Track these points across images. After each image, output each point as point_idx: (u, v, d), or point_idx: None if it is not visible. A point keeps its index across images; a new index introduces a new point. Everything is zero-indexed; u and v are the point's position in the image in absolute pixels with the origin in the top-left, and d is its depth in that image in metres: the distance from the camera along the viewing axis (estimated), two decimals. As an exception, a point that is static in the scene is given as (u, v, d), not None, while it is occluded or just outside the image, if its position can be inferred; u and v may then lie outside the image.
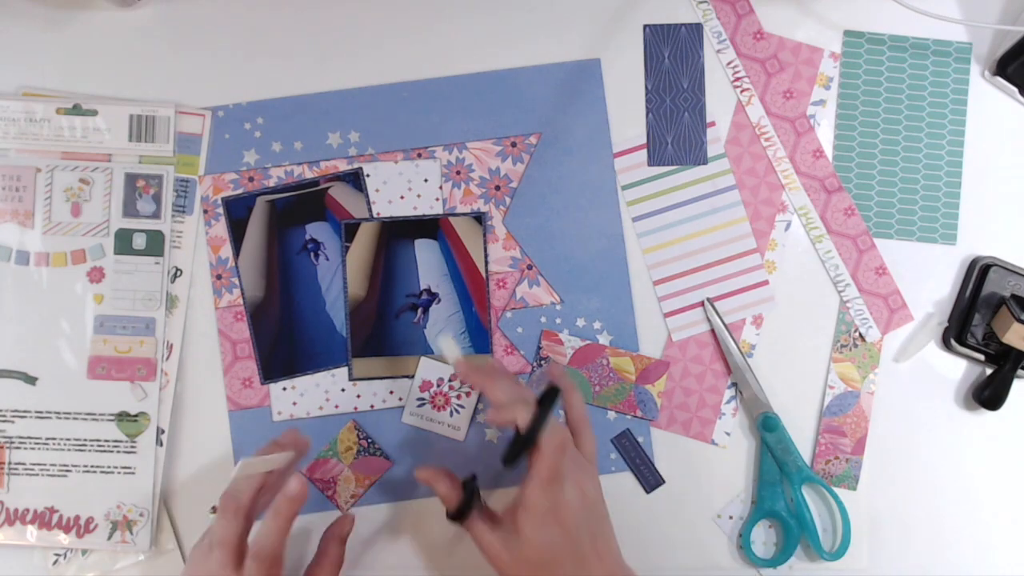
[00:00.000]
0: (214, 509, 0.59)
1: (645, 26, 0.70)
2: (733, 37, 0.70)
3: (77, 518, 0.66)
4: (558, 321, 0.68)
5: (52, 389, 0.66)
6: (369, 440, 0.67)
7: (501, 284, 0.69)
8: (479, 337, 0.68)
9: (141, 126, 0.68)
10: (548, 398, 0.58)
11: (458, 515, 0.59)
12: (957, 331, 0.68)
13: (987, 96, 0.70)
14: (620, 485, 0.68)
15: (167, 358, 0.67)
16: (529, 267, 0.69)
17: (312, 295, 0.68)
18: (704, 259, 0.69)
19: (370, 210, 0.69)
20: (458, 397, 0.67)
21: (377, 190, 0.69)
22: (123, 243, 0.67)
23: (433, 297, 0.68)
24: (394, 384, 0.68)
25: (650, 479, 0.68)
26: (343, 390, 0.68)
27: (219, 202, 0.68)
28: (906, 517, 0.68)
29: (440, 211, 0.69)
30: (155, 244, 0.68)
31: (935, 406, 0.69)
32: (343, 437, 0.67)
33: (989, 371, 0.68)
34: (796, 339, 0.69)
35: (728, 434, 0.68)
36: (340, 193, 0.69)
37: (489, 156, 0.69)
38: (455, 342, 0.62)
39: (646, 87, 0.70)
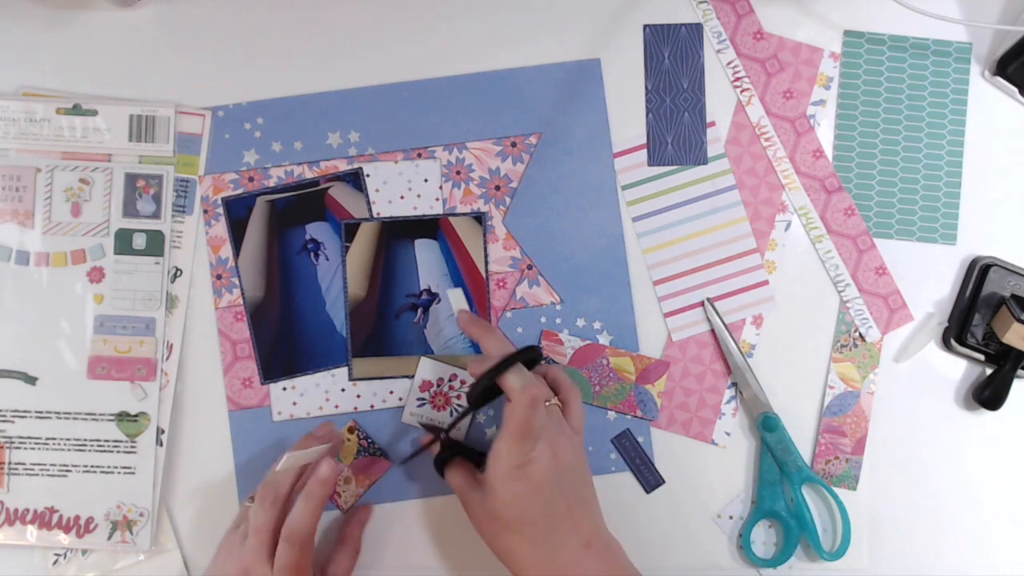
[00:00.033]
0: (252, 499, 0.60)
1: (645, 26, 0.70)
2: (733, 37, 0.70)
3: (77, 518, 0.66)
4: (558, 321, 0.68)
5: (52, 389, 0.66)
6: (369, 440, 0.67)
7: (501, 284, 0.69)
8: (479, 337, 0.68)
9: (141, 126, 0.68)
10: (525, 352, 0.59)
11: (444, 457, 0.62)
12: (957, 331, 0.68)
13: (987, 96, 0.70)
14: (620, 485, 0.68)
15: (167, 358, 0.67)
16: (529, 267, 0.69)
17: (312, 295, 0.68)
18: (704, 259, 0.69)
19: (370, 210, 0.69)
20: (458, 397, 0.67)
21: (377, 190, 0.69)
22: (123, 243, 0.67)
23: (433, 297, 0.68)
24: (394, 384, 0.68)
25: (650, 479, 0.68)
26: (343, 390, 0.68)
27: (219, 202, 0.68)
28: (906, 517, 0.68)
29: (440, 211, 0.69)
30: (155, 244, 0.68)
31: (935, 406, 0.69)
32: (343, 438, 0.67)
33: (989, 371, 0.68)
34: (796, 339, 0.69)
35: (728, 434, 0.68)
36: (340, 193, 0.69)
37: (489, 156, 0.69)
38: (463, 295, 0.66)
39: (646, 87, 0.70)
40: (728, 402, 0.68)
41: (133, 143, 0.68)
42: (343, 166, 0.69)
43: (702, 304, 0.69)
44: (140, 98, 0.68)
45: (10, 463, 0.66)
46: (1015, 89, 0.70)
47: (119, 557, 0.67)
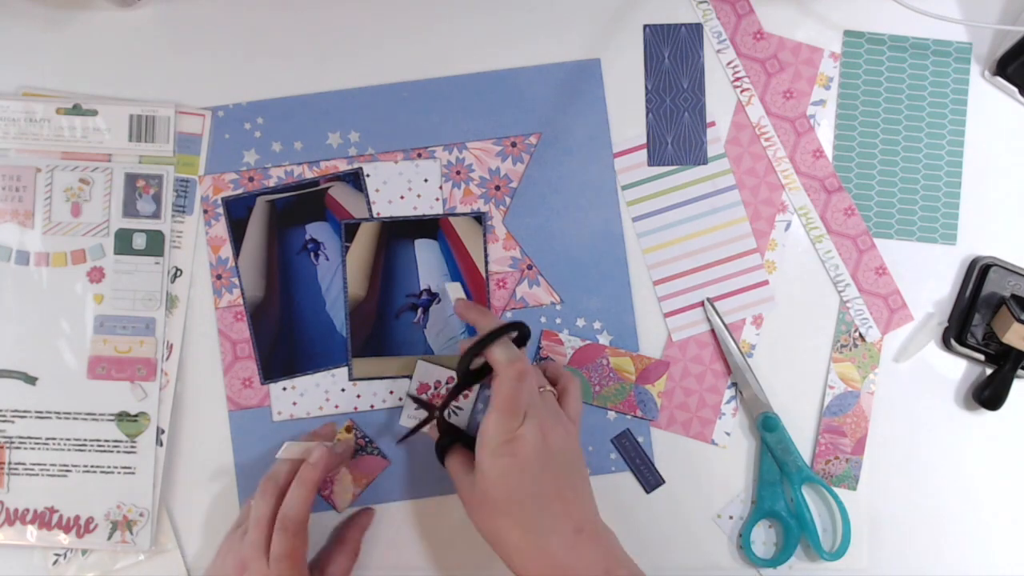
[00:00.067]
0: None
1: (645, 26, 0.70)
2: (733, 37, 0.70)
3: (77, 518, 0.66)
4: (558, 321, 0.68)
5: (52, 389, 0.66)
6: (367, 439, 0.67)
7: (501, 284, 0.69)
8: (479, 337, 0.68)
9: (141, 126, 0.68)
10: (511, 326, 0.59)
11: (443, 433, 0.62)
12: (957, 331, 0.68)
13: (987, 96, 0.70)
14: (620, 485, 0.68)
15: (167, 358, 0.67)
16: (529, 267, 0.69)
17: (312, 295, 0.68)
18: (704, 259, 0.69)
19: (370, 210, 0.69)
20: (455, 399, 0.67)
21: (377, 190, 0.69)
22: (123, 243, 0.67)
23: (433, 297, 0.68)
24: (394, 384, 0.68)
25: (650, 479, 0.68)
26: (343, 390, 0.68)
27: (219, 202, 0.68)
28: (906, 517, 0.68)
29: (440, 211, 0.69)
30: (155, 244, 0.68)
31: (935, 406, 0.69)
32: (340, 437, 0.67)
33: (989, 371, 0.68)
34: (796, 339, 0.69)
35: (728, 434, 0.68)
36: (340, 193, 0.69)
37: (489, 156, 0.69)
38: (460, 287, 0.67)
39: (646, 87, 0.70)
40: (728, 402, 0.68)
41: (133, 143, 0.68)
42: (343, 166, 0.69)
43: (702, 304, 0.69)
44: (140, 98, 0.68)
45: (10, 463, 0.66)
46: (1015, 89, 0.70)
47: (119, 557, 0.67)
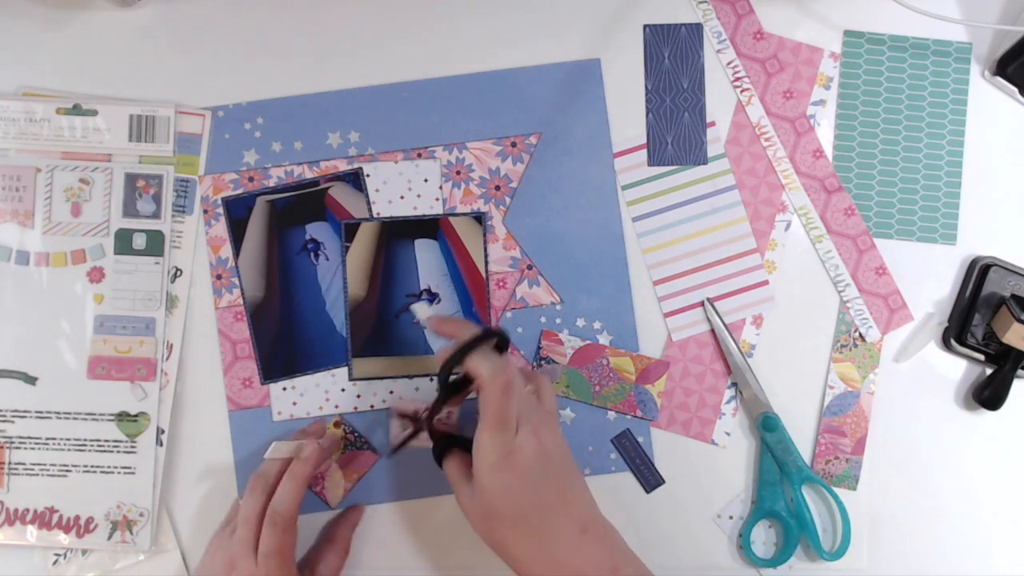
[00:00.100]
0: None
1: (645, 26, 0.70)
2: (733, 37, 0.70)
3: (77, 518, 0.66)
4: (558, 321, 0.68)
5: (52, 389, 0.66)
6: (356, 434, 0.67)
7: (501, 284, 0.69)
8: (479, 337, 0.68)
9: (141, 126, 0.68)
10: (486, 335, 0.57)
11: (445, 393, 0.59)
12: (957, 331, 0.68)
13: (987, 96, 0.70)
14: (620, 485, 0.68)
15: (167, 358, 0.67)
16: (529, 267, 0.69)
17: (312, 295, 0.68)
18: (704, 259, 0.69)
19: (370, 210, 0.69)
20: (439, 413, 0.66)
21: (377, 190, 0.69)
22: (123, 243, 0.67)
23: (433, 297, 0.68)
24: (394, 384, 0.68)
25: (650, 479, 0.68)
26: (343, 390, 0.68)
27: (219, 202, 0.68)
28: (906, 517, 0.68)
29: (440, 211, 0.69)
30: (155, 244, 0.68)
31: (935, 406, 0.69)
32: (330, 433, 0.67)
33: (989, 371, 0.68)
34: (796, 339, 0.69)
35: (728, 434, 0.68)
36: (340, 193, 0.69)
37: (489, 156, 0.69)
38: (427, 306, 0.65)
39: (646, 87, 0.70)
40: (728, 402, 0.68)
41: (133, 143, 0.68)
42: (343, 166, 0.69)
43: (702, 304, 0.69)
44: (140, 98, 0.68)
45: (10, 463, 0.66)
46: (1015, 89, 0.70)
47: (119, 557, 0.67)
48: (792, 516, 0.66)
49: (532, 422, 0.56)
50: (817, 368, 0.69)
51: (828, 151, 0.70)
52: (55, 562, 0.66)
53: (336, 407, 0.68)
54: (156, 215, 0.68)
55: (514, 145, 0.69)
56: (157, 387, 0.67)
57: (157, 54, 0.69)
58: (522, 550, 0.55)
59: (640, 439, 0.68)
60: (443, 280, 0.68)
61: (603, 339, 0.68)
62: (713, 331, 0.68)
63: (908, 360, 0.69)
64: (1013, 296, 0.67)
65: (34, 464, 0.66)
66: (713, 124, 0.70)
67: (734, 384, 0.68)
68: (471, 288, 0.68)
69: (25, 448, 0.66)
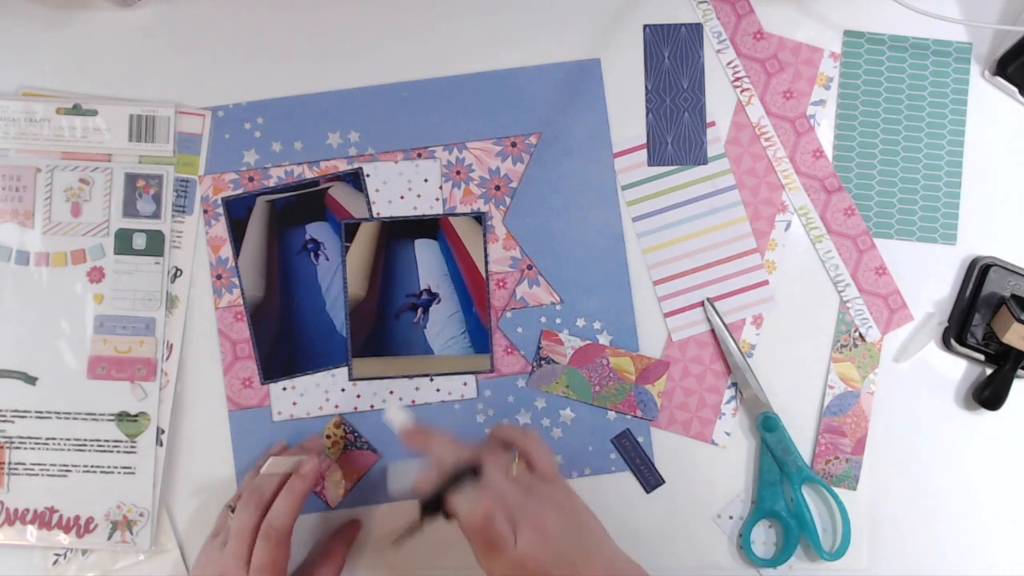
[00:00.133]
0: (232, 509, 0.60)
1: (645, 26, 0.70)
2: (733, 37, 0.70)
3: (77, 518, 0.66)
4: (558, 321, 0.68)
5: (52, 389, 0.66)
6: (355, 434, 0.67)
7: (501, 284, 0.69)
8: (479, 337, 0.68)
9: (141, 126, 0.68)
10: (464, 472, 0.55)
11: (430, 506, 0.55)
12: (957, 331, 0.68)
13: (987, 96, 0.70)
14: (620, 485, 0.68)
15: (167, 358, 0.67)
16: (529, 267, 0.69)
17: (312, 295, 0.68)
18: (704, 259, 0.69)
19: (370, 210, 0.69)
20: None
21: (377, 190, 0.69)
22: (123, 243, 0.67)
23: (433, 297, 0.68)
24: (394, 384, 0.68)
25: (650, 479, 0.68)
26: (343, 390, 0.68)
27: (219, 202, 0.68)
28: (906, 517, 0.68)
29: (440, 211, 0.69)
30: (155, 244, 0.68)
31: (935, 406, 0.69)
32: (329, 433, 0.67)
33: (989, 371, 0.68)
34: (796, 339, 0.69)
35: (728, 434, 0.68)
36: (340, 193, 0.69)
37: (489, 156, 0.69)
38: (404, 413, 0.61)
39: (646, 87, 0.70)
40: (728, 402, 0.68)
41: (133, 143, 0.68)
42: (343, 166, 0.69)
43: (702, 304, 0.69)
44: (140, 98, 0.68)
45: (10, 463, 0.66)
46: (1015, 89, 0.70)
47: (119, 557, 0.67)
48: (792, 516, 0.66)
49: (529, 515, 0.54)
50: (817, 368, 0.69)
51: (828, 151, 0.70)
52: (55, 562, 0.66)
53: (336, 407, 0.68)
54: (156, 215, 0.68)
55: (514, 145, 0.69)
56: (157, 387, 0.67)
57: (157, 54, 0.69)
58: None
59: (640, 439, 0.68)
60: (443, 280, 0.68)
61: (603, 339, 0.68)
62: (713, 331, 0.68)
63: (908, 360, 0.69)
64: (1013, 296, 0.67)
65: (34, 464, 0.66)
66: (713, 124, 0.70)
67: (734, 384, 0.68)
68: (471, 288, 0.68)
69: (25, 448, 0.66)
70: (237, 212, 0.68)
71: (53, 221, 0.67)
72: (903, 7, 0.66)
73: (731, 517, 0.68)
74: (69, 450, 0.66)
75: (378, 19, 0.70)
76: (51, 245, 0.67)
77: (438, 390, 0.68)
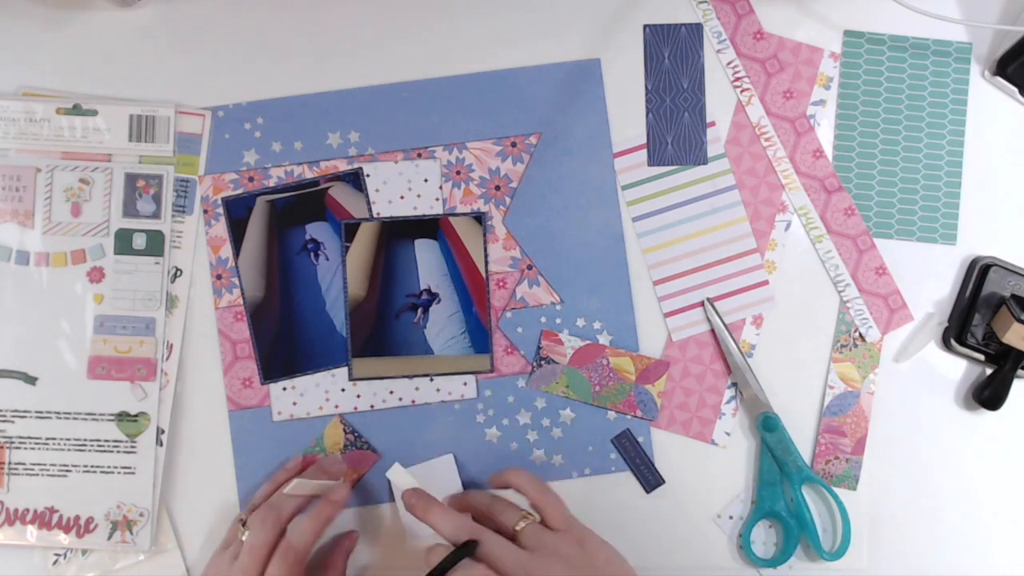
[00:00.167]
0: (243, 522, 0.60)
1: (645, 26, 0.70)
2: (733, 37, 0.70)
3: (77, 518, 0.66)
4: (558, 321, 0.68)
5: (52, 389, 0.66)
6: (356, 434, 0.67)
7: (501, 284, 0.69)
8: (479, 337, 0.68)
9: (141, 126, 0.68)
10: (459, 552, 0.55)
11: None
12: (957, 331, 0.68)
13: (987, 96, 0.70)
14: (620, 485, 0.68)
15: (167, 358, 0.67)
16: (529, 267, 0.69)
17: (312, 295, 0.68)
18: (704, 259, 0.69)
19: (370, 210, 0.69)
20: None
21: (377, 190, 0.69)
22: (123, 243, 0.67)
23: (433, 297, 0.68)
24: (394, 384, 0.68)
25: (650, 479, 0.68)
26: (343, 390, 0.68)
27: (219, 202, 0.68)
28: (906, 517, 0.68)
29: (440, 211, 0.69)
30: (155, 244, 0.68)
31: (935, 406, 0.69)
32: (329, 433, 0.68)
33: (989, 371, 0.68)
34: (796, 339, 0.69)
35: (728, 434, 0.68)
36: (340, 193, 0.69)
37: (489, 156, 0.69)
38: (406, 473, 0.63)
39: (646, 87, 0.70)
40: (728, 402, 0.68)
41: (133, 143, 0.68)
42: (343, 166, 0.69)
43: (702, 304, 0.69)
44: (140, 98, 0.68)
45: (10, 463, 0.66)
46: (1015, 89, 0.70)
47: (119, 557, 0.67)
48: (792, 516, 0.66)
49: (538, 570, 0.54)
50: (817, 368, 0.69)
51: (828, 151, 0.70)
52: (55, 562, 0.66)
53: (336, 407, 0.68)
54: (156, 215, 0.68)
55: (514, 145, 0.69)
56: (157, 387, 0.67)
57: (157, 54, 0.69)
58: None
59: (640, 439, 0.68)
60: (443, 280, 0.68)
61: (603, 339, 0.68)
62: (713, 331, 0.68)
63: (908, 360, 0.69)
64: (1013, 296, 0.67)
65: (34, 464, 0.66)
66: (713, 124, 0.70)
67: (734, 384, 0.68)
68: (471, 288, 0.68)
69: (25, 448, 0.66)
70: (237, 212, 0.68)
71: (53, 221, 0.67)
72: (903, 7, 0.66)
73: (731, 517, 0.68)
74: (69, 450, 0.66)
75: (378, 19, 0.70)
76: (51, 245, 0.67)
77: (438, 390, 0.68)
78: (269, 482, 0.65)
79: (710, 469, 0.68)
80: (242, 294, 0.68)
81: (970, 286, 0.68)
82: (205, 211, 0.68)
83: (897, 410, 0.69)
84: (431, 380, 0.68)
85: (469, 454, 0.67)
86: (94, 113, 0.67)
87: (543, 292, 0.69)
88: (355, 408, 0.68)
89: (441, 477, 0.67)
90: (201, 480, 0.67)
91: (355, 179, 0.69)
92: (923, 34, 0.70)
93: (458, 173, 0.69)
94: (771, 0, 0.70)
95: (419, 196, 0.69)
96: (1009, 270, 0.68)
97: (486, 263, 0.69)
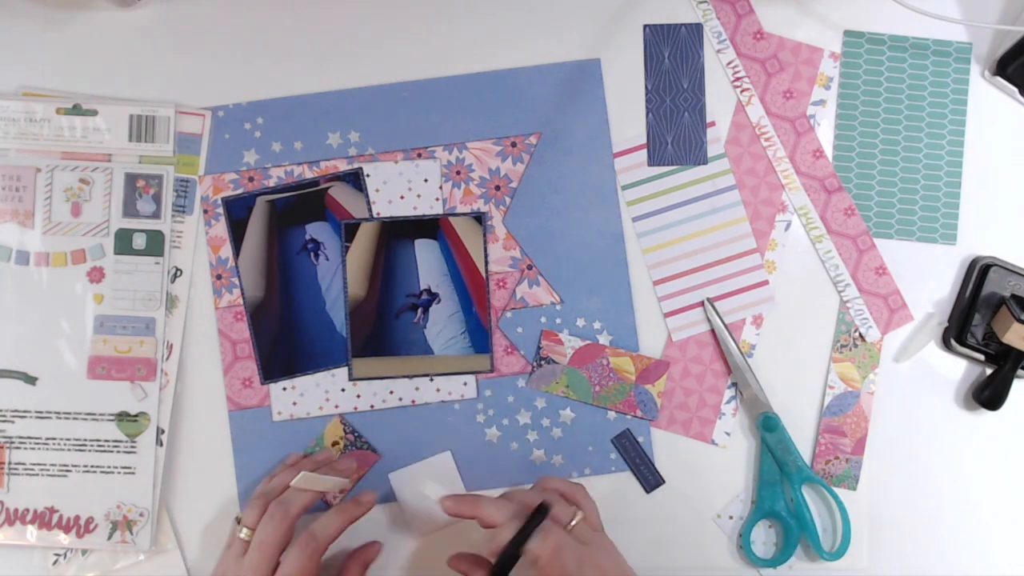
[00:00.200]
0: (239, 520, 0.60)
1: (645, 26, 0.70)
2: (733, 37, 0.70)
3: (77, 518, 0.66)
4: (558, 321, 0.68)
5: (52, 389, 0.66)
6: (356, 434, 0.67)
7: (501, 284, 0.69)
8: (479, 337, 0.68)
9: (141, 126, 0.68)
10: (537, 515, 0.55)
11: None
12: (957, 331, 0.68)
13: (987, 96, 0.70)
14: (620, 485, 0.68)
15: (167, 358, 0.67)
16: (529, 267, 0.69)
17: (312, 295, 0.68)
18: (704, 259, 0.69)
19: (370, 210, 0.69)
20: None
21: (377, 190, 0.69)
22: (123, 243, 0.67)
23: (433, 297, 0.68)
24: (394, 384, 0.68)
25: (650, 479, 0.68)
26: (343, 390, 0.68)
27: (219, 202, 0.68)
28: (906, 517, 0.68)
29: (440, 211, 0.69)
30: (155, 244, 0.68)
31: (935, 406, 0.69)
32: (329, 432, 0.68)
33: (989, 371, 0.68)
34: (796, 339, 0.69)
35: (728, 434, 0.68)
36: (340, 193, 0.69)
37: (489, 156, 0.69)
38: (439, 487, 0.65)
39: (646, 87, 0.70)
40: (728, 402, 0.68)
41: (133, 143, 0.68)
42: (343, 166, 0.69)
43: (702, 304, 0.69)
44: (140, 98, 0.68)
45: (10, 463, 0.66)
46: (1015, 89, 0.70)
47: (119, 557, 0.67)
48: (792, 516, 0.66)
49: (590, 557, 0.55)
50: (817, 368, 0.69)
51: (828, 151, 0.70)
52: (55, 562, 0.66)
53: (336, 407, 0.68)
54: (156, 215, 0.68)
55: (514, 145, 0.69)
56: (157, 387, 0.67)
57: (157, 54, 0.69)
58: None
59: (640, 439, 0.68)
60: (443, 280, 0.68)
61: (603, 339, 0.68)
62: (713, 331, 0.68)
63: (908, 360, 0.69)
64: (1013, 296, 0.67)
65: (34, 464, 0.66)
66: (713, 124, 0.70)
67: (734, 384, 0.68)
68: (471, 288, 0.68)
69: (25, 448, 0.66)
70: (237, 212, 0.68)
71: (53, 221, 0.67)
72: (903, 7, 0.66)
73: (731, 517, 0.68)
74: (69, 450, 0.66)
75: (378, 19, 0.70)
76: (51, 245, 0.67)
77: (438, 390, 0.68)
78: (268, 476, 0.65)
79: (710, 469, 0.68)
80: (242, 294, 0.68)
81: (970, 286, 0.68)
82: (205, 211, 0.68)
83: (897, 410, 0.69)
84: (431, 380, 0.68)
85: (469, 454, 0.68)
86: (94, 113, 0.67)
87: (543, 292, 0.69)
88: (355, 408, 0.68)
89: (439, 474, 0.67)
90: (201, 480, 0.67)
91: (355, 179, 0.69)
92: (923, 34, 0.70)
93: (458, 173, 0.69)
94: (771, 0, 0.70)
95: (419, 196, 0.69)
96: (1009, 270, 0.68)
97: (486, 263, 0.69)
